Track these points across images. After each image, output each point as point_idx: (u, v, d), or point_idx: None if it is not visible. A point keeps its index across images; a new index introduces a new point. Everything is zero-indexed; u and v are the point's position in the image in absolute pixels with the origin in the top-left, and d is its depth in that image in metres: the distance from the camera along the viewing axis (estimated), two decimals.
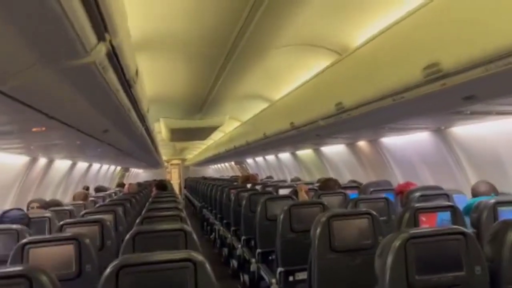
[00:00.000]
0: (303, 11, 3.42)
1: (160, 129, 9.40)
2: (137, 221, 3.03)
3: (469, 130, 3.90)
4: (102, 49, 1.32)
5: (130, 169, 16.08)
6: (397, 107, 2.87)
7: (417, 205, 3.23)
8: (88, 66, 1.37)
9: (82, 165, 8.01)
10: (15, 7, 0.95)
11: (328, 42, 3.91)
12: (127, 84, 1.92)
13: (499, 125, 3.46)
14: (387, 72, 2.75)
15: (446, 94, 2.36)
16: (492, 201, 2.82)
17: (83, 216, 3.85)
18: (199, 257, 1.90)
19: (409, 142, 4.92)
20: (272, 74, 5.22)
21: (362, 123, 3.66)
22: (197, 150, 18.46)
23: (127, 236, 2.15)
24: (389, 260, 2.02)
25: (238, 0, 3.01)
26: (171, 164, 23.55)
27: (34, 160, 4.85)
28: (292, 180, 7.57)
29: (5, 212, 3.54)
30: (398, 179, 5.39)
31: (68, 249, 2.69)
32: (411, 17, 2.56)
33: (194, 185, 13.46)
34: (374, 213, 3.00)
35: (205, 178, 13.58)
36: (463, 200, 3.68)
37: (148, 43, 3.71)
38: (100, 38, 1.27)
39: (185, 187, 19.63)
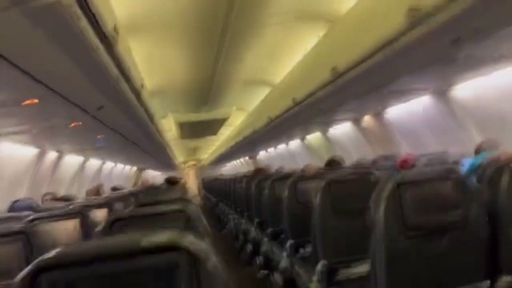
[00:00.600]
0: None
1: (170, 127, 9.49)
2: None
3: (470, 91, 3.83)
4: None
5: (146, 170, 16.26)
6: (390, 62, 2.85)
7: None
8: (55, 7, 1.39)
9: (95, 163, 8.15)
10: None
11: (319, 11, 3.90)
12: (108, 42, 1.95)
13: (498, 79, 3.39)
14: (374, 28, 2.75)
15: (433, 38, 2.33)
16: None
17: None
18: (193, 207, 1.92)
19: (412, 112, 4.85)
20: (270, 54, 5.23)
21: (359, 88, 3.63)
22: (210, 148, 18.57)
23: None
24: (382, 205, 1.99)
25: None
26: (188, 166, 23.79)
27: (42, 153, 4.96)
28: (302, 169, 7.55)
29: (15, 202, 3.64)
30: (405, 151, 5.32)
31: (73, 224, 2.75)
32: None
33: (211, 183, 13.63)
34: (375, 173, 2.97)
35: (220, 175, 13.75)
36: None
37: (140, 28, 3.76)
38: None
39: (203, 187, 19.78)
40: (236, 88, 7.14)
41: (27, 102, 2.36)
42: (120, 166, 11.03)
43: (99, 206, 3.47)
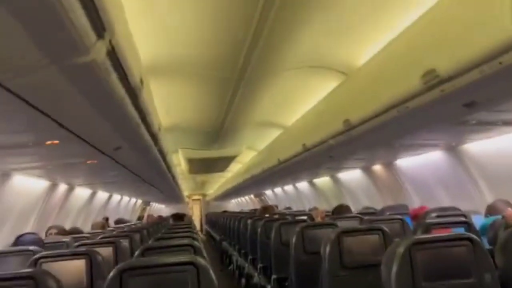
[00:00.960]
0: (308, 33, 3.53)
1: (179, 162, 9.56)
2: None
3: (483, 147, 3.85)
4: (102, 47, 1.43)
5: (151, 203, 16.22)
6: (402, 119, 2.90)
7: (429, 220, 3.18)
8: (90, 65, 1.47)
9: (102, 195, 8.17)
10: (15, 3, 1.06)
11: (334, 63, 4.00)
12: (133, 92, 2.03)
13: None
14: (389, 85, 2.81)
15: (446, 100, 2.38)
16: None
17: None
18: (201, 261, 1.91)
19: (424, 164, 4.86)
20: (284, 98, 5.32)
21: (371, 140, 3.67)
22: (217, 183, 18.54)
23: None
24: (395, 267, 1.99)
25: (243, 21, 3.13)
26: (193, 200, 23.65)
27: (54, 186, 5.01)
28: (310, 210, 7.50)
29: (19, 237, 3.64)
30: (415, 202, 5.29)
31: (80, 264, 2.74)
32: (407, 31, 2.67)
33: (215, 220, 13.48)
34: (386, 229, 2.96)
35: (224, 212, 13.62)
36: (481, 220, 3.59)
37: (160, 69, 3.87)
38: (99, 35, 1.38)
39: (206, 223, 19.59)
40: (247, 128, 7.22)
41: (48, 143, 2.42)
42: (126, 199, 11.03)
43: (106, 244, 3.48)
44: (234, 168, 11.94)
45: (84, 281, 2.67)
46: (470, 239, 2.03)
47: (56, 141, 2.42)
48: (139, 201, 13.83)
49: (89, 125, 2.33)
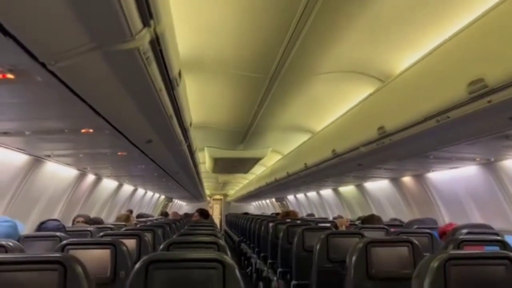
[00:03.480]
0: (345, 38, 3.47)
1: (204, 160, 9.60)
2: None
3: None
4: (146, 35, 1.41)
5: (174, 200, 16.37)
6: (441, 130, 2.80)
7: (462, 236, 3.06)
8: (132, 52, 1.46)
9: (127, 188, 8.27)
10: None
11: (370, 69, 3.92)
12: (170, 85, 2.02)
13: None
14: (430, 94, 2.72)
15: (492, 112, 2.28)
16: None
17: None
18: (228, 259, 1.88)
19: (456, 178, 4.70)
20: (314, 103, 5.26)
21: (405, 150, 3.56)
22: (238, 185, 18.56)
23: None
24: (427, 282, 1.91)
25: (281, 24, 3.10)
26: (213, 199, 23.78)
27: (82, 176, 5.09)
28: (334, 218, 7.40)
29: (42, 223, 3.71)
30: (444, 217, 5.13)
31: (105, 254, 2.77)
32: (454, 39, 2.57)
33: (235, 220, 13.48)
34: (415, 241, 2.88)
35: (246, 214, 13.61)
36: None
37: (195, 66, 3.87)
38: (145, 23, 1.36)
39: (225, 223, 19.64)
40: (274, 131, 7.18)
41: (83, 131, 2.45)
42: (149, 193, 11.15)
43: (130, 236, 3.51)
44: (257, 170, 11.91)
45: (108, 270, 2.71)
46: (509, 258, 1.93)
47: (91, 130, 2.44)
48: (162, 197, 13.97)
49: (124, 115, 2.33)
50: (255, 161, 9.48)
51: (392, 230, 4.24)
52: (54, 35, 1.27)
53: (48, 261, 1.89)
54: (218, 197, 23.99)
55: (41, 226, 3.60)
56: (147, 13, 1.33)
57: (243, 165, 10.01)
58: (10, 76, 1.48)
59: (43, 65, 1.41)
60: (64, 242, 2.74)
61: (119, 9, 1.19)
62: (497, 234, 3.38)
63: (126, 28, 1.31)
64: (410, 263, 2.79)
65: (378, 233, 4.17)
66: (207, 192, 19.75)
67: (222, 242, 2.78)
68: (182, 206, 20.43)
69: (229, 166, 10.20)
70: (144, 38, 1.42)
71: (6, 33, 1.16)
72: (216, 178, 15.72)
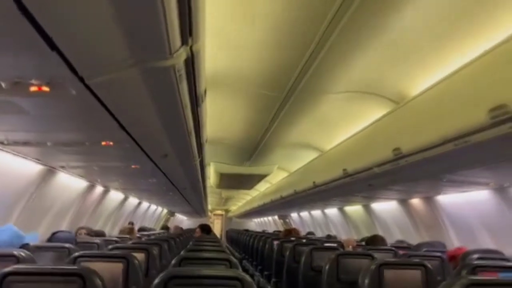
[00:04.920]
0: (361, 59, 3.50)
1: (209, 175, 9.57)
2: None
3: None
4: (183, 53, 1.43)
5: (176, 214, 16.29)
6: (459, 154, 2.80)
7: (475, 262, 3.03)
8: (168, 69, 1.48)
9: (132, 201, 8.25)
10: None
11: (384, 90, 3.94)
12: (196, 102, 2.03)
13: None
14: (449, 117, 2.73)
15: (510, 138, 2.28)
16: None
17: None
18: (247, 277, 1.88)
19: (467, 202, 4.68)
20: (325, 121, 5.27)
21: (420, 172, 3.56)
22: (241, 201, 18.48)
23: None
24: None
25: (302, 43, 3.14)
26: (214, 214, 23.63)
27: (91, 187, 5.09)
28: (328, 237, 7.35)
29: (54, 233, 3.74)
30: (453, 242, 5.08)
31: (117, 267, 2.75)
32: (475, 63, 2.58)
33: (236, 237, 13.38)
34: (429, 265, 2.86)
35: (247, 231, 13.51)
36: None
37: (213, 83, 3.91)
38: (184, 41, 1.38)
39: (226, 239, 19.48)
40: (282, 148, 7.19)
41: (104, 143, 2.46)
42: (153, 207, 11.12)
43: (139, 249, 3.50)
44: (261, 187, 11.87)
45: (119, 283, 2.69)
46: None
47: (112, 143, 2.45)
48: (165, 211, 13.91)
49: (146, 129, 2.35)
50: (260, 177, 9.46)
51: (401, 252, 4.20)
52: (97, 50, 1.29)
53: (67, 273, 1.89)
54: (219, 212, 23.85)
55: (53, 236, 3.62)
56: (187, 31, 1.35)
57: (249, 181, 9.99)
58: (45, 88, 1.50)
59: (81, 79, 1.42)
60: (76, 254, 2.73)
61: (163, 25, 1.21)
62: (508, 260, 3.36)
63: (166, 45, 1.33)
64: (423, 287, 2.77)
65: (386, 255, 4.14)
66: (209, 207, 19.66)
67: (234, 259, 2.77)
68: (183, 220, 20.33)
69: (234, 182, 10.18)
70: (181, 56, 1.44)
71: (54, 47, 1.18)
72: (220, 193, 15.68)
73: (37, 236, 3.29)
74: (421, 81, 3.53)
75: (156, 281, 1.85)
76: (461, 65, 2.73)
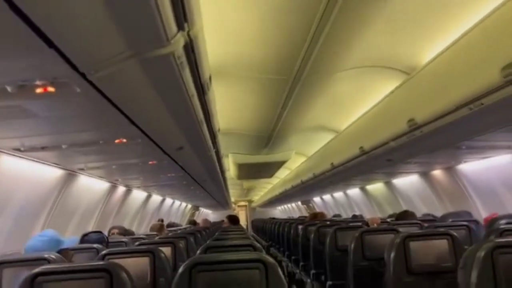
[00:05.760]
0: (367, 33, 3.43)
1: (228, 167, 9.62)
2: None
3: None
4: (181, 39, 1.43)
5: (200, 208, 16.47)
6: (474, 117, 2.74)
7: (503, 226, 2.99)
8: (168, 57, 1.48)
9: (156, 199, 8.37)
10: None
11: (394, 62, 3.87)
12: (202, 89, 2.04)
13: None
14: (461, 81, 2.67)
15: None
16: None
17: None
18: (269, 258, 1.89)
19: (490, 168, 4.58)
20: (337, 101, 5.22)
21: (437, 142, 3.50)
22: (263, 190, 18.54)
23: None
24: (475, 272, 1.86)
25: (304, 23, 3.10)
26: (238, 206, 23.81)
27: (114, 188, 5.18)
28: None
29: (85, 235, 3.82)
30: (480, 210, 4.99)
31: (144, 262, 2.81)
32: (481, 24, 2.52)
33: (261, 226, 13.47)
34: (454, 233, 2.83)
35: (273, 219, 13.61)
36: None
37: (218, 72, 3.90)
38: (180, 27, 1.38)
39: (252, 229, 19.62)
40: (298, 133, 7.14)
41: (117, 141, 2.49)
42: (177, 203, 11.26)
43: (165, 244, 3.57)
44: (282, 174, 11.88)
45: (147, 277, 2.75)
46: None
47: (125, 140, 2.48)
48: (189, 206, 14.08)
49: (156, 122, 2.37)
50: (279, 164, 9.45)
51: (426, 225, 4.17)
52: (94, 44, 1.30)
53: (95, 270, 1.94)
54: (242, 203, 24.02)
55: (84, 238, 3.70)
56: (182, 17, 1.35)
57: (268, 169, 10.00)
58: (51, 89, 1.53)
59: (83, 75, 1.44)
60: (104, 252, 2.79)
61: (156, 13, 1.21)
62: None
63: (162, 32, 1.33)
64: (451, 256, 2.75)
65: (412, 229, 4.10)
66: (232, 199, 19.81)
67: (257, 244, 2.79)
68: (208, 214, 20.55)
69: (253, 172, 10.20)
70: (178, 42, 1.44)
71: (51, 44, 1.19)
72: (241, 185, 15.75)
73: (75, 240, 3.39)
74: (430, 49, 3.45)
75: (181, 269, 1.88)
76: (468, 28, 2.66)
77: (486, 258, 1.86)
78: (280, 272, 1.85)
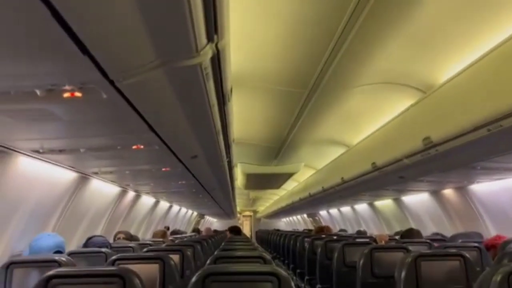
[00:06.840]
0: (385, 50, 3.45)
1: (237, 177, 9.62)
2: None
3: None
4: (209, 51, 1.45)
5: (205, 217, 16.44)
6: (492, 139, 2.73)
7: None
8: (195, 68, 1.50)
9: (163, 205, 8.38)
10: None
11: (410, 80, 3.87)
12: (223, 100, 2.05)
13: None
14: (480, 102, 2.66)
15: None
16: None
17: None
18: (283, 272, 1.89)
19: (503, 190, 4.53)
20: (351, 116, 5.21)
21: (452, 161, 3.47)
22: (269, 201, 18.49)
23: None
24: None
25: (324, 37, 3.11)
26: (243, 216, 23.75)
27: (124, 193, 5.20)
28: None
29: (89, 238, 3.85)
30: (491, 231, 4.93)
31: (153, 268, 2.82)
32: (504, 46, 2.51)
33: (266, 237, 13.42)
34: (467, 255, 2.81)
35: (277, 230, 13.56)
36: None
37: (236, 82, 3.92)
38: (210, 39, 1.40)
39: (256, 240, 19.53)
40: (308, 145, 7.15)
41: (134, 147, 2.51)
42: (183, 210, 11.26)
43: (173, 251, 3.57)
44: (289, 186, 11.85)
45: (156, 284, 2.75)
46: None
47: (142, 146, 2.50)
48: (195, 214, 14.07)
49: (175, 130, 2.38)
50: (287, 176, 9.43)
51: (435, 245, 4.12)
52: (126, 52, 1.32)
53: (108, 275, 1.94)
54: (248, 213, 23.96)
55: (88, 241, 3.73)
56: (212, 29, 1.36)
57: (276, 180, 9.99)
58: (78, 94, 1.55)
59: (111, 82, 1.46)
60: (114, 257, 2.81)
61: (189, 24, 1.23)
62: None
63: (193, 43, 1.35)
64: (462, 278, 2.72)
65: (422, 248, 4.07)
66: (238, 208, 19.78)
67: (268, 256, 2.78)
68: (212, 222, 20.51)
69: (261, 182, 10.19)
70: (207, 54, 1.45)
71: (85, 51, 1.21)
72: (247, 194, 15.73)
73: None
74: (448, 68, 3.45)
75: (194, 279, 1.87)
76: (489, 49, 2.66)
77: (502, 283, 1.85)
78: (293, 286, 1.85)
